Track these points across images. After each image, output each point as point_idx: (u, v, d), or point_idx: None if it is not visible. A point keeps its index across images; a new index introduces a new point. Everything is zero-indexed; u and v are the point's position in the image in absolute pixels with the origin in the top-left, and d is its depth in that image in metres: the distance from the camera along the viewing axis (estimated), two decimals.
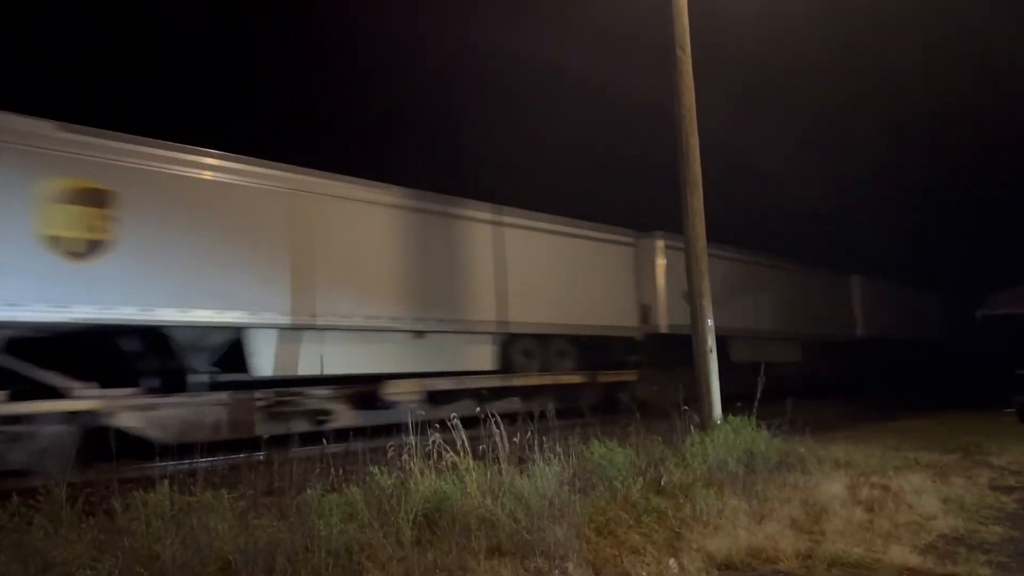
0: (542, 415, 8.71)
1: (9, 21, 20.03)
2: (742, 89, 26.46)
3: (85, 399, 10.18)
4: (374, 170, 14.28)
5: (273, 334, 12.03)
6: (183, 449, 9.10)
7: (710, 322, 10.71)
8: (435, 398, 13.63)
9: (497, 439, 7.26)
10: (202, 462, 8.66)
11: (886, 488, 8.04)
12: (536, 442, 7.40)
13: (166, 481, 6.56)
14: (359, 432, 11.36)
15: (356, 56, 28.10)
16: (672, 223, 12.98)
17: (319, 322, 12.41)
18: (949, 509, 7.32)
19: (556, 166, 27.59)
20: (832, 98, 31.05)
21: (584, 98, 28.51)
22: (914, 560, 5.71)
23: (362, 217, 13.39)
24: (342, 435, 10.37)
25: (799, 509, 7.06)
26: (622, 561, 5.53)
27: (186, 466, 8.81)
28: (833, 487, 7.84)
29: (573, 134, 28.01)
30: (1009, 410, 16.53)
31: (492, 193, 16.29)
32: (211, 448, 9.34)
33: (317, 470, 7.76)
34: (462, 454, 6.92)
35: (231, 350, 11.75)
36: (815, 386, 22.01)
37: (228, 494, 6.41)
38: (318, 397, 12.48)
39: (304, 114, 27.61)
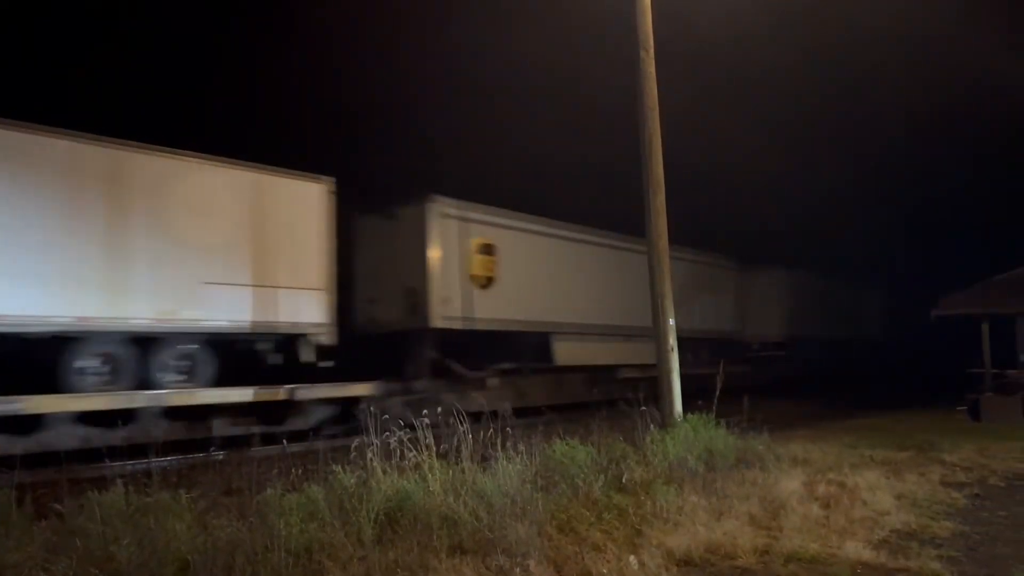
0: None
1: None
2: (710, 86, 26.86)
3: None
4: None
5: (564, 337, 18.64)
6: (139, 449, 8.96)
7: (671, 321, 10.79)
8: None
9: (460, 437, 7.25)
10: (159, 461, 8.51)
11: (842, 485, 8.18)
12: (499, 440, 7.40)
13: (121, 481, 6.43)
14: (319, 431, 11.51)
15: (351, 61, 27.89)
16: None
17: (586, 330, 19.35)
18: (902, 505, 7.48)
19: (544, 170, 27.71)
20: (798, 100, 31.59)
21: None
22: (868, 555, 5.83)
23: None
24: (302, 435, 10.34)
25: (757, 506, 7.16)
26: (583, 558, 5.56)
27: (142, 466, 8.64)
28: (791, 484, 7.96)
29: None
30: (961, 408, 16.95)
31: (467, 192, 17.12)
32: (166, 448, 9.21)
33: (277, 469, 7.67)
34: (425, 453, 6.90)
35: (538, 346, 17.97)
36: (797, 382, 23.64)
37: (186, 494, 6.32)
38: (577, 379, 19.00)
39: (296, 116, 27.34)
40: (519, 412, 9.74)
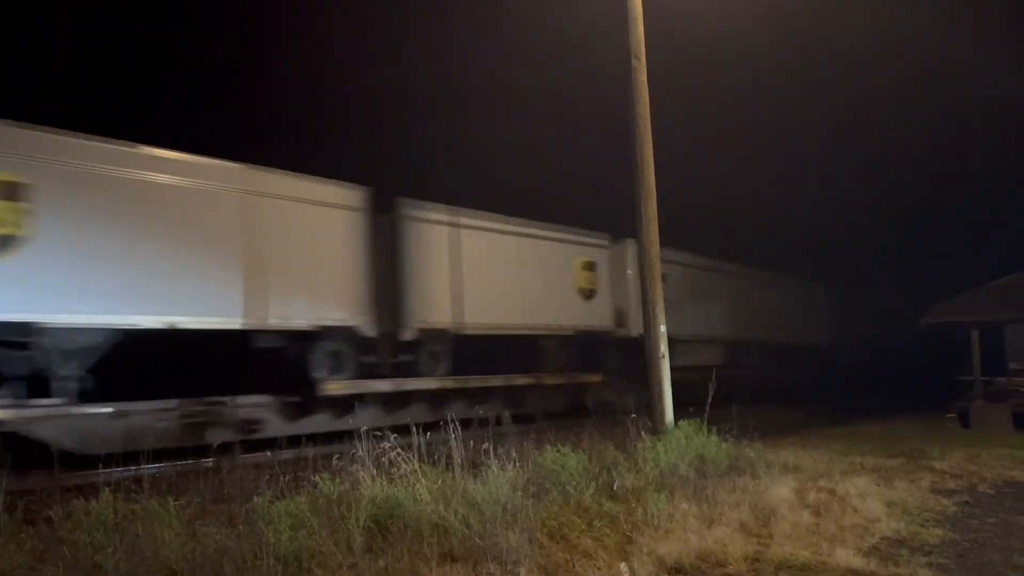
0: (498, 421, 8.74)
1: None
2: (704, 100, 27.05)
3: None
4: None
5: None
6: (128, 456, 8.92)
7: (663, 328, 10.80)
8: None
9: (452, 444, 7.24)
10: (148, 468, 8.47)
11: (832, 492, 8.20)
12: (491, 447, 7.38)
13: (109, 489, 6.39)
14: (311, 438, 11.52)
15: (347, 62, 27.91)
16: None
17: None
18: (892, 512, 7.49)
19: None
20: (788, 108, 31.80)
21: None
22: (858, 562, 5.83)
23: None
24: (294, 441, 10.34)
25: (748, 513, 7.16)
26: (574, 566, 5.55)
27: (131, 473, 8.60)
28: (781, 491, 7.96)
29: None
30: (951, 415, 17.01)
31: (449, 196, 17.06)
32: (157, 455, 9.18)
33: (267, 477, 7.63)
34: (415, 460, 6.88)
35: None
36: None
37: (175, 501, 6.28)
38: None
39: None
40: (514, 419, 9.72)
